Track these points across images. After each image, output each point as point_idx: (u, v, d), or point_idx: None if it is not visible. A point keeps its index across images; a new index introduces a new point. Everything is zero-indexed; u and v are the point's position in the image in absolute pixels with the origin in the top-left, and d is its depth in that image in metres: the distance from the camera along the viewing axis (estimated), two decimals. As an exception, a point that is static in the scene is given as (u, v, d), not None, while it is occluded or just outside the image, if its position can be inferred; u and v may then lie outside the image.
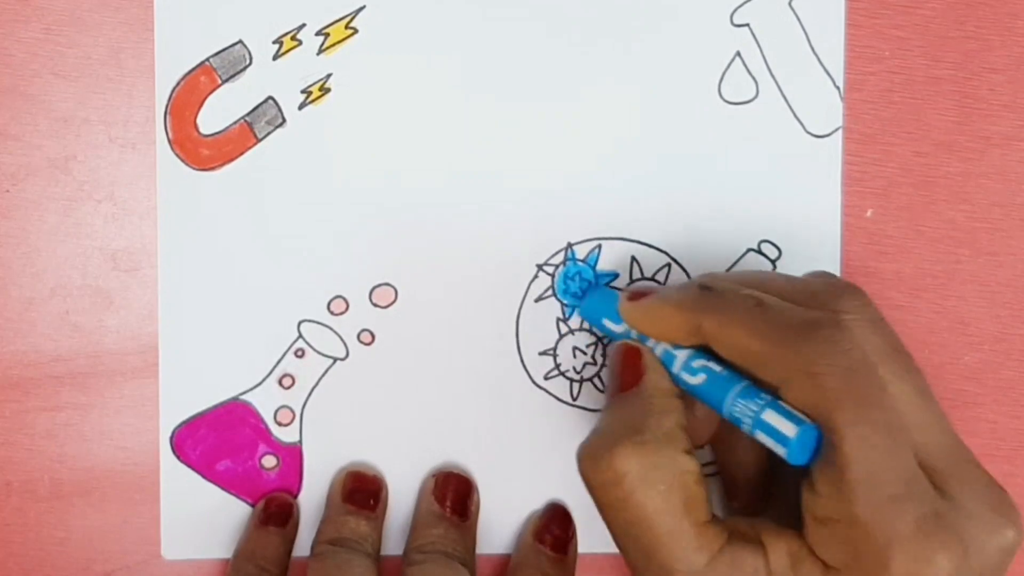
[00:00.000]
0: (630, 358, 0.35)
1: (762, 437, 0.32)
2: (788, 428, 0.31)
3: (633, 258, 0.41)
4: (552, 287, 0.41)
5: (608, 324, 0.37)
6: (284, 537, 0.39)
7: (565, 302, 0.41)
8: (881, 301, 0.40)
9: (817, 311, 0.33)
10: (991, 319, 0.42)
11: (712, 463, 0.39)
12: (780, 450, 0.31)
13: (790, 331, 0.32)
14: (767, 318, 0.32)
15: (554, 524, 0.40)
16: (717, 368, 0.34)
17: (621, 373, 0.35)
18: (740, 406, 0.32)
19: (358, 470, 0.40)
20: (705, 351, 0.34)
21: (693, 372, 0.34)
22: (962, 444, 0.33)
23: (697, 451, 0.34)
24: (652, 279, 0.41)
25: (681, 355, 0.34)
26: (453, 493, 0.40)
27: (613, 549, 0.39)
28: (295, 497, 0.40)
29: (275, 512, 0.40)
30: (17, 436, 0.40)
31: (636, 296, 0.36)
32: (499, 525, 0.41)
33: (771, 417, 0.32)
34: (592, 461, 0.33)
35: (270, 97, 0.40)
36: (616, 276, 0.41)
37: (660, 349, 0.35)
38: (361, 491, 0.39)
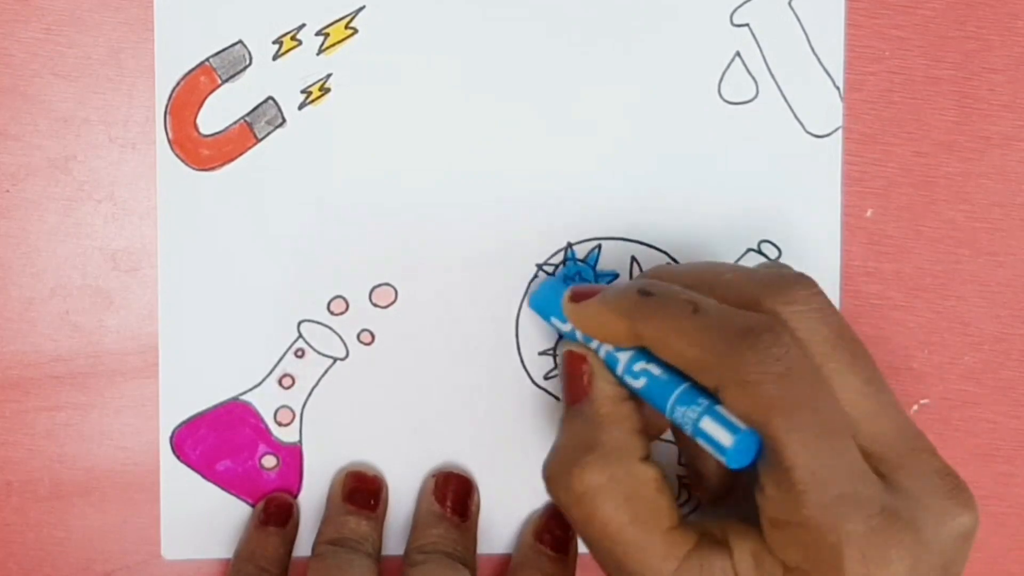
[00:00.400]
0: (576, 365, 0.35)
1: (702, 442, 0.32)
2: (725, 437, 0.31)
3: (633, 258, 0.41)
4: None
5: (555, 322, 0.37)
6: (284, 537, 0.39)
7: None
8: (881, 301, 0.41)
9: (755, 313, 0.32)
10: (991, 319, 0.42)
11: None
12: (720, 456, 0.31)
13: (724, 338, 0.31)
14: (702, 325, 0.32)
15: (554, 524, 0.40)
16: (657, 371, 0.33)
17: (569, 383, 0.35)
18: (679, 412, 0.32)
19: (358, 470, 0.40)
20: (648, 352, 0.34)
21: (635, 376, 0.34)
22: (914, 430, 0.32)
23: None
24: None
25: (623, 357, 0.34)
26: (453, 493, 0.40)
27: None
28: (295, 497, 0.40)
29: (275, 512, 0.40)
30: (17, 436, 0.40)
31: (579, 296, 0.36)
32: (499, 525, 0.41)
33: (708, 425, 0.31)
34: (554, 482, 0.34)
35: (270, 97, 0.40)
36: (616, 276, 0.41)
37: (603, 351, 0.35)
38: (361, 491, 0.39)
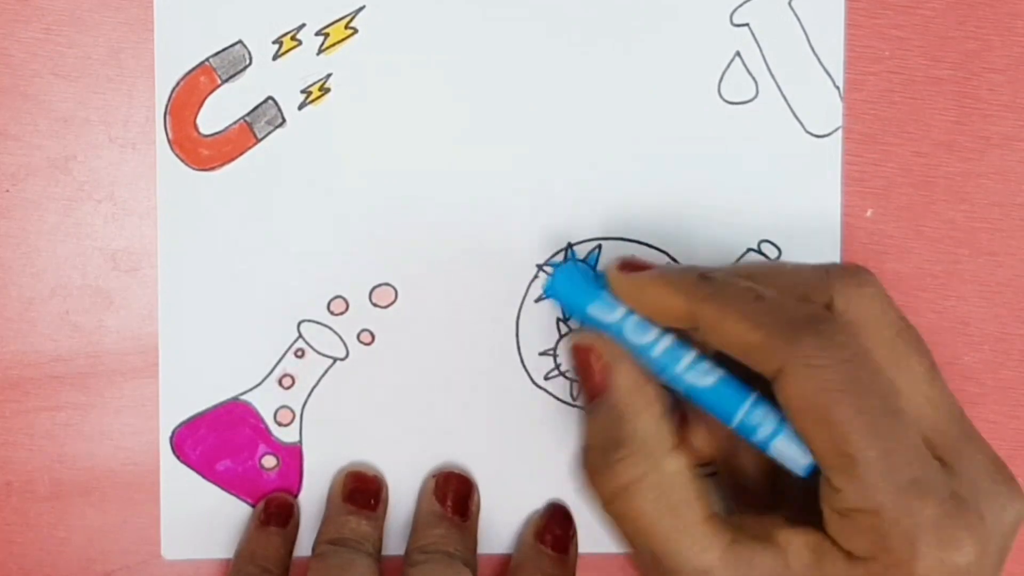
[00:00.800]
0: (586, 357, 0.35)
1: (775, 454, 0.32)
2: (803, 455, 0.32)
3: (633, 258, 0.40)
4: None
5: (583, 308, 0.36)
6: (285, 537, 0.39)
7: None
8: None
9: (814, 305, 0.33)
10: (991, 319, 0.42)
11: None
12: (791, 467, 0.32)
13: (788, 324, 0.32)
14: (766, 310, 0.32)
15: (554, 524, 0.40)
16: (720, 373, 0.33)
17: (584, 377, 0.35)
18: (755, 415, 0.33)
19: (358, 470, 0.40)
20: (682, 337, 0.34)
21: (703, 373, 0.34)
22: (967, 420, 0.33)
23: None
24: None
25: (688, 357, 0.34)
26: (454, 493, 0.40)
27: (613, 549, 0.39)
28: (295, 497, 0.40)
29: (275, 512, 0.40)
30: (17, 436, 0.40)
31: (629, 267, 0.35)
32: (500, 525, 0.41)
33: (782, 444, 0.32)
34: (590, 483, 0.34)
35: (270, 97, 0.40)
36: None
37: (661, 347, 0.34)
38: (361, 491, 0.40)
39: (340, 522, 0.39)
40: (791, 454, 0.32)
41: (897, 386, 0.32)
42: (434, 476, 0.40)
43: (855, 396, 0.30)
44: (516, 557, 0.40)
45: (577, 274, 0.37)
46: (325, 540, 0.39)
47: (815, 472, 0.32)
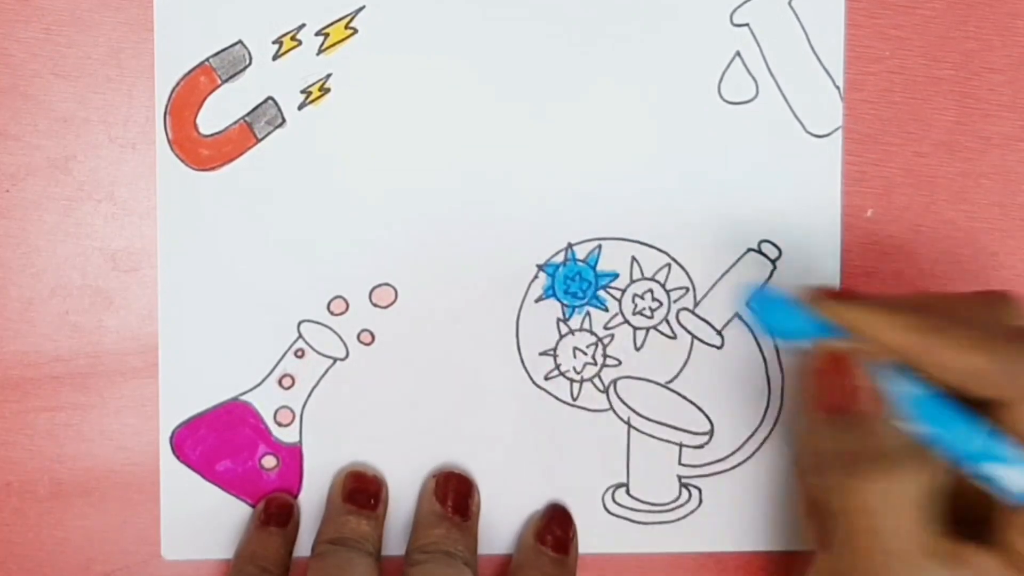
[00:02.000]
0: (836, 368, 0.35)
1: (994, 489, 0.32)
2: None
3: (633, 258, 0.41)
4: (552, 287, 0.41)
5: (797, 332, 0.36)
6: (285, 537, 0.39)
7: (565, 302, 0.41)
8: None
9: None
10: None
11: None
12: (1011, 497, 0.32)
13: (1014, 346, 0.32)
14: (985, 335, 0.33)
15: (555, 524, 0.40)
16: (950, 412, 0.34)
17: (830, 386, 0.35)
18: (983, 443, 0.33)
19: (358, 470, 0.40)
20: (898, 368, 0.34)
21: (927, 413, 0.34)
22: None
23: None
24: (652, 279, 0.41)
25: (911, 391, 0.34)
26: (454, 493, 0.40)
27: (611, 549, 0.41)
28: (295, 497, 0.41)
29: (275, 512, 0.40)
30: (17, 436, 0.40)
31: (836, 296, 0.36)
32: (500, 525, 0.41)
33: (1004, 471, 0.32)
34: (836, 492, 0.34)
35: (270, 97, 0.40)
36: (616, 276, 0.41)
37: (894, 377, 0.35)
38: (361, 491, 0.40)
39: (340, 522, 0.39)
40: (1015, 480, 0.32)
41: None
42: (434, 476, 0.40)
43: None
44: (516, 558, 0.40)
45: (779, 300, 0.36)
46: (325, 540, 0.39)
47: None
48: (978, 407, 0.33)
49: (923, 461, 0.33)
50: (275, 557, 0.39)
